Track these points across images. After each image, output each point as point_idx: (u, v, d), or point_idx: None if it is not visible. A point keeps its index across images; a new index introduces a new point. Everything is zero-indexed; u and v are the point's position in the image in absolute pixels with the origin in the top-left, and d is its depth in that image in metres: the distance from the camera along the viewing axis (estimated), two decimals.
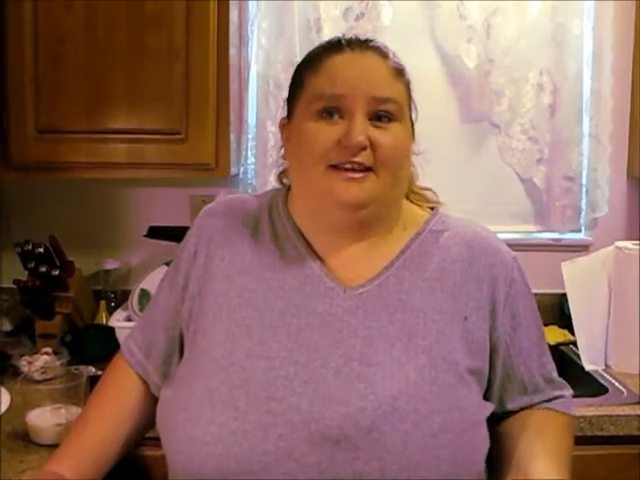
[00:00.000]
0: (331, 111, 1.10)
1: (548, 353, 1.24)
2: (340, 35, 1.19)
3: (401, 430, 1.02)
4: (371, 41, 1.16)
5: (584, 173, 2.38)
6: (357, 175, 1.08)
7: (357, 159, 1.08)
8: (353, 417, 1.02)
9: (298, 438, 1.02)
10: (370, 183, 1.09)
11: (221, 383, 1.07)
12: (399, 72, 1.15)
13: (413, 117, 1.19)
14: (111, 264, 2.30)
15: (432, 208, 1.25)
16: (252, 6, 2.26)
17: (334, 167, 1.09)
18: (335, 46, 1.15)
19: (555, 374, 1.25)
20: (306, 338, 1.09)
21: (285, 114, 1.21)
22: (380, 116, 1.10)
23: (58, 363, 1.86)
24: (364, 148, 1.08)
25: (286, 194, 1.23)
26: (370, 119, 1.10)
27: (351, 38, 1.16)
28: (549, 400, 1.22)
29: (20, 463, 1.40)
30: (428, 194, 1.27)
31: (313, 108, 1.11)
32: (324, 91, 1.11)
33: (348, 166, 1.08)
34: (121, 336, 1.89)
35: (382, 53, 1.15)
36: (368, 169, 1.09)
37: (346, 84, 1.10)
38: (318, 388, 1.05)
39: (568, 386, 1.27)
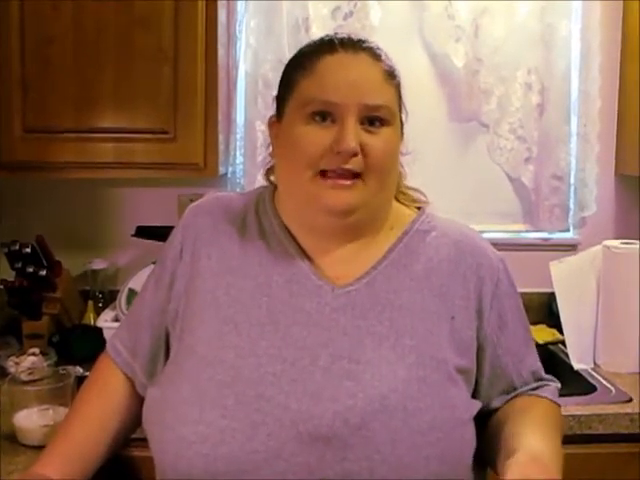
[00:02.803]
0: (323, 114, 1.09)
1: (535, 353, 1.25)
2: (332, 34, 1.17)
3: (390, 428, 1.02)
4: (364, 42, 1.15)
5: (572, 172, 2.38)
6: (345, 182, 1.08)
7: (347, 166, 1.08)
8: (342, 415, 1.02)
9: (287, 437, 1.01)
10: (358, 190, 1.09)
11: (209, 381, 1.07)
12: (391, 75, 1.14)
13: (403, 118, 1.19)
14: (99, 264, 2.29)
15: (419, 208, 1.25)
16: (240, 6, 2.25)
17: (322, 173, 1.09)
18: (328, 46, 1.14)
19: (542, 372, 1.25)
20: (294, 336, 1.09)
21: (274, 112, 1.20)
22: (372, 120, 1.10)
23: (45, 364, 1.85)
24: (355, 154, 1.07)
25: (273, 192, 1.23)
26: (362, 123, 1.09)
27: (344, 38, 1.14)
28: (534, 389, 1.21)
29: (8, 465, 1.39)
30: (416, 194, 1.27)
31: (304, 111, 1.10)
32: (315, 96, 1.10)
33: (338, 172, 1.08)
34: (109, 336, 1.87)
35: (375, 55, 1.14)
36: (356, 175, 1.09)
37: (338, 91, 1.08)
38: (306, 386, 1.04)
39: (556, 380, 1.27)
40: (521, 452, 1.01)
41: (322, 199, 1.09)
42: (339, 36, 1.15)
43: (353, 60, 1.12)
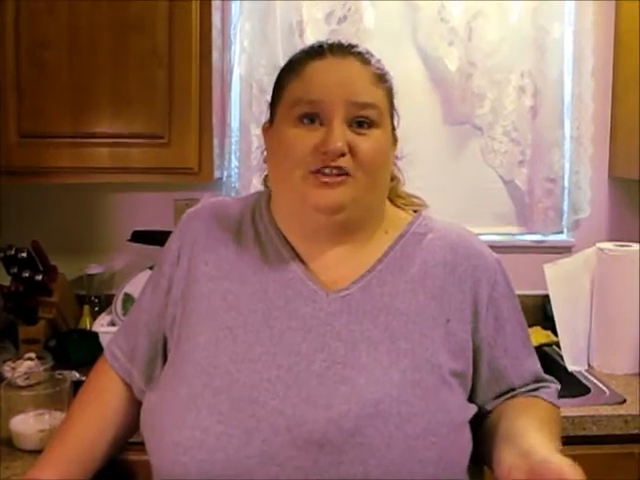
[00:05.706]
0: (311, 117, 1.10)
1: (535, 356, 1.24)
2: (323, 39, 1.19)
3: (384, 433, 1.02)
4: (353, 47, 1.16)
5: (566, 175, 2.39)
6: (333, 179, 1.08)
7: (335, 164, 1.08)
8: (336, 421, 1.02)
9: (282, 442, 1.02)
10: (346, 187, 1.09)
11: (205, 387, 1.07)
12: (380, 78, 1.15)
13: (395, 123, 1.19)
14: (95, 269, 2.29)
15: (415, 211, 1.25)
16: (235, 9, 2.26)
17: (312, 173, 1.09)
18: (317, 51, 1.15)
19: (542, 374, 1.24)
20: (289, 341, 1.09)
21: (268, 118, 1.21)
22: (360, 122, 1.10)
23: (42, 368, 1.85)
24: (343, 154, 1.08)
25: (269, 197, 1.23)
26: (350, 125, 1.10)
27: (333, 43, 1.16)
28: (533, 390, 1.21)
29: (4, 470, 1.40)
30: (414, 199, 1.28)
31: (293, 114, 1.11)
32: (302, 96, 1.11)
33: (327, 171, 1.08)
34: (105, 341, 1.88)
35: (364, 59, 1.15)
36: (345, 174, 1.09)
37: (324, 90, 1.10)
38: (301, 392, 1.05)
39: (556, 382, 1.27)
40: (544, 452, 0.98)
41: (312, 197, 1.09)
42: (329, 42, 1.17)
43: (341, 63, 1.13)
